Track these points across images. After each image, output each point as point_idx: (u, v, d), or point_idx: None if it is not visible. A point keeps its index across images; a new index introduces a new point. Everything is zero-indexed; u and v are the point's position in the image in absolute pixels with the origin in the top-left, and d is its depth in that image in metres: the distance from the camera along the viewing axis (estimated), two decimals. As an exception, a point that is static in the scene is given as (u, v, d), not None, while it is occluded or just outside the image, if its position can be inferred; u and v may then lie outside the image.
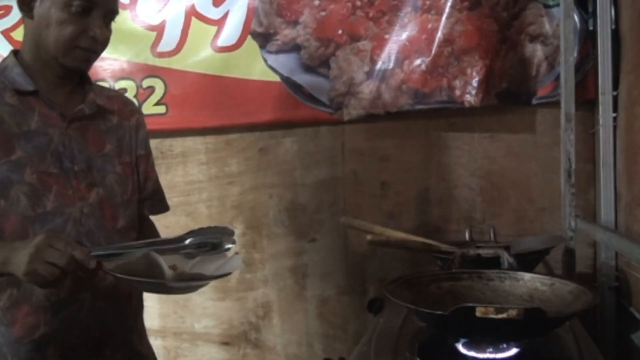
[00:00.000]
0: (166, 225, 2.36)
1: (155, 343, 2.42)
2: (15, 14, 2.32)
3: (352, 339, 2.25)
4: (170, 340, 2.45)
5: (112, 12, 1.31)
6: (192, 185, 2.36)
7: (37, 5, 1.26)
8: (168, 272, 1.08)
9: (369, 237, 1.71)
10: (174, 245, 1.17)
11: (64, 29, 1.24)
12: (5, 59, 1.33)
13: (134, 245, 1.17)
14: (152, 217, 1.56)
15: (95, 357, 1.33)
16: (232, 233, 1.24)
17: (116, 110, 1.44)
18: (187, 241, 1.17)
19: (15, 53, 1.33)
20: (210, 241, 1.19)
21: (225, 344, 2.39)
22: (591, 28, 1.93)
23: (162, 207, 1.57)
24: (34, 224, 1.25)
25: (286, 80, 2.17)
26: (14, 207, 1.23)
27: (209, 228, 1.23)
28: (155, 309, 2.43)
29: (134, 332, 1.44)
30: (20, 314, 1.26)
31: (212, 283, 2.31)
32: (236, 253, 1.25)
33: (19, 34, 2.28)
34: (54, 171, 1.27)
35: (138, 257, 1.10)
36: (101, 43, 1.28)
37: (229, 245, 1.22)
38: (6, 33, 2.36)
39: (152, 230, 1.54)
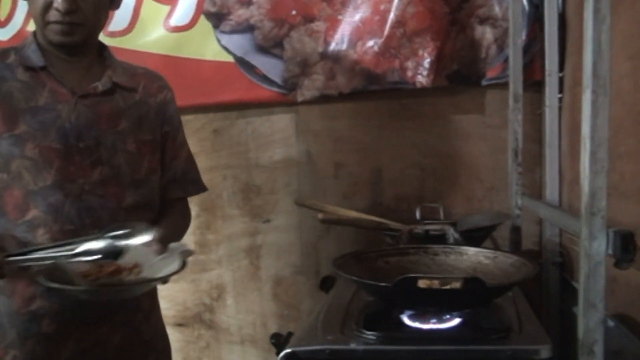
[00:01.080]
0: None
1: (109, 325, 2.42)
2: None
3: (306, 318, 2.27)
4: (125, 322, 2.43)
5: None
6: (146, 167, 2.34)
7: None
8: (77, 280, 1.08)
9: (320, 215, 1.73)
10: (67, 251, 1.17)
11: (34, 5, 1.27)
12: (25, 37, 1.37)
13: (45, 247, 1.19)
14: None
15: (91, 334, 1.32)
16: (146, 228, 1.23)
17: (140, 87, 1.42)
18: (79, 249, 1.16)
19: (34, 33, 1.35)
20: (103, 248, 1.18)
21: (180, 325, 2.39)
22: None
23: (196, 188, 1.53)
24: (36, 197, 1.26)
25: (240, 60, 2.16)
26: (16, 181, 1.26)
27: (120, 225, 1.23)
28: (109, 291, 2.41)
29: (137, 312, 1.41)
30: (20, 285, 1.28)
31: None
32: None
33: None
34: (56, 146, 1.28)
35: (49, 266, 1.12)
36: (67, 13, 1.25)
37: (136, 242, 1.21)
38: None
39: (175, 216, 1.48)
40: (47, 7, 1.25)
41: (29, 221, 1.26)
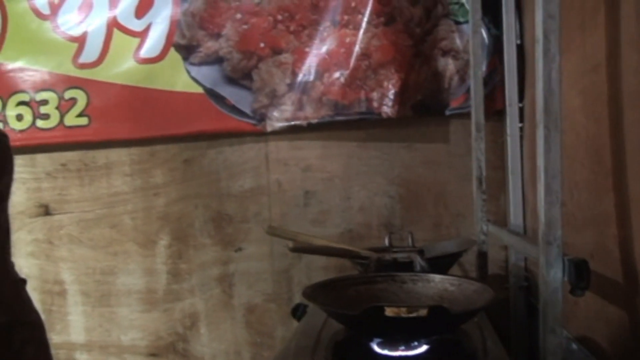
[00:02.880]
0: (90, 237, 2.35)
1: (82, 357, 2.41)
2: None
3: (280, 345, 2.29)
4: (97, 354, 2.42)
5: None
6: (117, 197, 2.35)
7: None
8: None
9: (290, 244, 1.76)
10: None
11: None
12: None
13: None
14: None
15: None
16: None
17: None
18: None
19: None
20: None
21: (153, 355, 2.39)
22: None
23: None
24: None
25: (209, 91, 2.20)
26: None
27: None
28: (80, 322, 2.41)
29: None
30: None
31: (139, 295, 2.32)
32: None
33: None
34: None
35: None
36: None
37: None
38: None
39: None
40: None
41: None
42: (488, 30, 2.08)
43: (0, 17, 2.27)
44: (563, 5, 1.08)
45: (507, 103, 2.00)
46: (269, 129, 2.18)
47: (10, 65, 2.27)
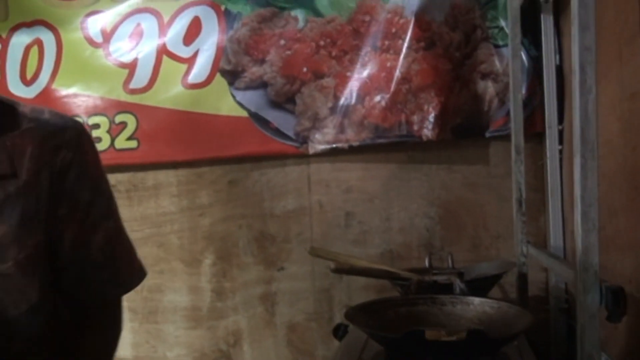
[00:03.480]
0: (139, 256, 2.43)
1: (128, 372, 2.49)
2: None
3: (320, 364, 2.33)
4: (143, 369, 2.50)
5: None
6: (164, 217, 2.44)
7: None
8: None
9: (332, 265, 1.80)
10: None
11: None
12: None
13: None
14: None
15: None
16: None
17: (25, 161, 0.90)
18: None
19: None
20: None
21: (197, 371, 2.45)
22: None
23: (114, 285, 1.02)
24: None
25: (254, 115, 2.27)
26: None
27: None
28: (127, 338, 2.48)
29: None
30: None
31: (184, 312, 2.39)
32: None
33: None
34: None
35: None
36: None
37: None
38: None
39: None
40: None
41: None
42: (527, 52, 2.10)
43: (55, 45, 2.38)
44: (601, 34, 1.10)
45: (547, 125, 2.01)
46: (311, 151, 2.24)
47: (65, 91, 2.38)
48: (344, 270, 1.85)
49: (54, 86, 2.38)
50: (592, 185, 1.08)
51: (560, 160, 2.00)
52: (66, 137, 0.94)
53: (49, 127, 0.93)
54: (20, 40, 2.40)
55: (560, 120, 2.00)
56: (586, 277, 1.08)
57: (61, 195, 0.92)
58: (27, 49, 2.40)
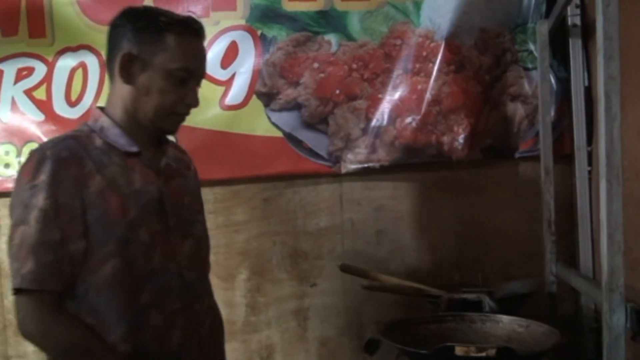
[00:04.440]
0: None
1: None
2: (38, 75, 2.48)
3: (352, 379, 2.38)
4: (178, 380, 2.56)
5: (202, 78, 1.46)
6: (201, 233, 2.50)
7: (139, 73, 1.36)
8: None
9: (364, 283, 1.85)
10: None
11: (165, 96, 1.36)
12: (96, 118, 1.41)
13: None
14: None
15: (192, 321, 1.41)
16: None
17: (183, 161, 1.55)
18: None
19: (101, 110, 1.43)
20: None
21: (231, 384, 2.51)
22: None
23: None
24: (145, 281, 1.33)
25: (288, 136, 2.33)
26: (130, 266, 1.31)
27: None
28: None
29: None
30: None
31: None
32: None
33: (41, 93, 2.46)
34: (157, 228, 1.36)
35: None
36: (193, 107, 1.42)
37: None
38: (29, 92, 2.49)
39: None
40: (179, 100, 1.38)
41: (142, 305, 1.32)
42: (556, 73, 2.15)
43: (98, 68, 2.44)
44: (628, 57, 1.15)
45: (576, 147, 2.05)
46: (343, 170, 2.30)
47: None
48: (375, 287, 1.91)
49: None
50: (617, 209, 1.12)
51: (589, 181, 2.03)
52: (189, 156, 1.65)
53: (182, 148, 1.65)
54: (65, 64, 2.47)
55: (589, 141, 2.03)
56: (612, 298, 1.12)
57: (199, 189, 1.63)
58: (72, 72, 2.47)
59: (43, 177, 1.27)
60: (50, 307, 1.27)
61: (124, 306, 1.31)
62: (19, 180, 1.32)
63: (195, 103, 1.42)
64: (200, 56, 1.45)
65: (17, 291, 1.26)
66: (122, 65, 1.37)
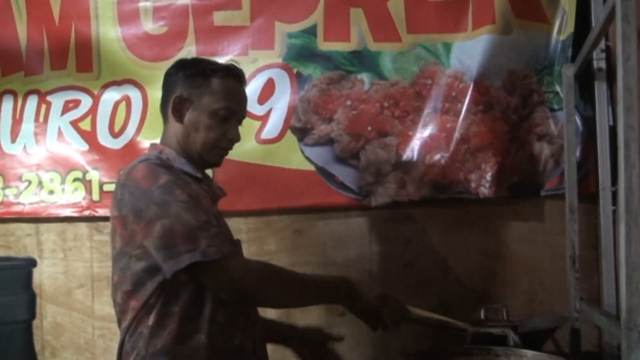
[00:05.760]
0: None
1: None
2: (84, 107, 2.61)
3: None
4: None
5: (244, 117, 1.67)
6: (234, 261, 2.59)
7: (188, 113, 1.59)
8: None
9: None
10: None
11: (210, 132, 1.58)
12: (159, 151, 1.61)
13: None
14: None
15: (248, 324, 1.61)
16: None
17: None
18: None
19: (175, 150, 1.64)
20: None
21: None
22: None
23: None
24: None
25: (321, 169, 2.41)
26: None
27: None
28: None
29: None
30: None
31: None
32: None
33: (86, 125, 2.59)
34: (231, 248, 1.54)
35: None
36: (235, 142, 1.64)
37: None
38: (74, 123, 2.61)
39: None
40: (222, 136, 1.60)
41: (214, 301, 1.53)
42: (582, 112, 2.22)
43: (141, 102, 2.58)
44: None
45: (600, 187, 2.11)
46: (373, 204, 2.38)
47: (149, 143, 2.54)
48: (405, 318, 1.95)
49: (139, 138, 2.57)
50: (636, 251, 1.19)
51: (614, 220, 2.08)
52: None
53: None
54: (110, 97, 2.59)
55: (614, 182, 2.08)
56: (630, 337, 1.18)
57: None
58: (116, 105, 2.59)
59: (164, 177, 1.47)
60: (241, 259, 1.56)
61: (203, 302, 1.51)
62: (136, 187, 1.49)
63: (237, 138, 1.63)
64: (240, 97, 1.66)
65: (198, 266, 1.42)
66: (174, 106, 1.60)
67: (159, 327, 1.49)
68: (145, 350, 1.49)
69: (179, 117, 1.60)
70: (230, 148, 1.66)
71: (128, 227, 1.50)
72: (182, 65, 1.66)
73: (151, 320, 1.49)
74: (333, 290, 1.62)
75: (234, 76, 1.63)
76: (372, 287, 1.65)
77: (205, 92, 1.58)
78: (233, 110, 1.61)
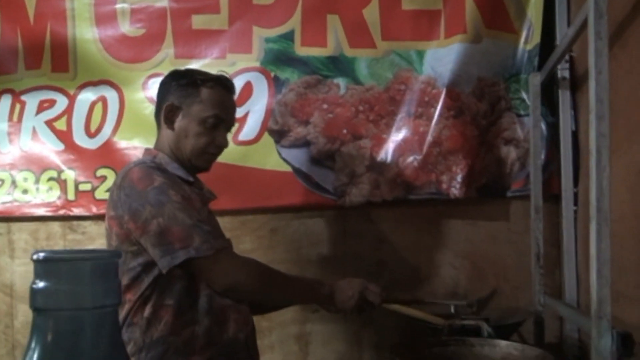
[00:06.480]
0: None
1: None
2: (59, 107, 2.60)
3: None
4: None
5: (232, 124, 1.77)
6: (209, 260, 2.64)
7: (179, 120, 1.68)
8: None
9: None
10: None
11: (199, 139, 1.68)
12: (154, 156, 1.70)
13: None
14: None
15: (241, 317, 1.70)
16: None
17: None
18: None
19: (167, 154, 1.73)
20: None
21: (234, 405, 2.62)
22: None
23: None
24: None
25: (297, 170, 2.48)
26: None
27: None
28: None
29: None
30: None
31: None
32: None
33: (61, 124, 2.60)
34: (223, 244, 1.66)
35: None
36: (224, 148, 1.74)
37: None
38: (49, 123, 2.61)
39: None
40: (210, 142, 1.69)
41: (207, 293, 1.63)
42: (545, 118, 2.34)
43: (118, 103, 2.60)
44: (614, 110, 1.33)
45: (563, 188, 2.24)
46: (347, 204, 2.46)
47: (125, 144, 2.57)
48: (391, 300, 2.03)
49: (115, 139, 2.58)
50: (605, 247, 1.30)
51: (575, 220, 2.22)
52: None
53: None
54: (86, 97, 2.59)
55: (576, 183, 2.22)
56: (600, 325, 1.30)
57: None
58: (92, 105, 2.59)
59: (159, 180, 1.56)
60: (233, 255, 1.67)
61: (197, 296, 1.62)
62: (131, 189, 1.57)
63: (225, 144, 1.74)
64: (228, 105, 1.77)
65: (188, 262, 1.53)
66: (166, 114, 1.70)
67: (155, 319, 1.56)
68: (142, 341, 1.55)
69: (171, 124, 1.70)
70: (219, 154, 1.76)
71: (124, 226, 1.55)
72: (175, 75, 1.76)
73: (147, 312, 1.56)
74: (317, 296, 1.79)
75: (222, 86, 1.73)
76: (352, 296, 1.79)
77: (194, 101, 1.68)
78: (221, 118, 1.71)
